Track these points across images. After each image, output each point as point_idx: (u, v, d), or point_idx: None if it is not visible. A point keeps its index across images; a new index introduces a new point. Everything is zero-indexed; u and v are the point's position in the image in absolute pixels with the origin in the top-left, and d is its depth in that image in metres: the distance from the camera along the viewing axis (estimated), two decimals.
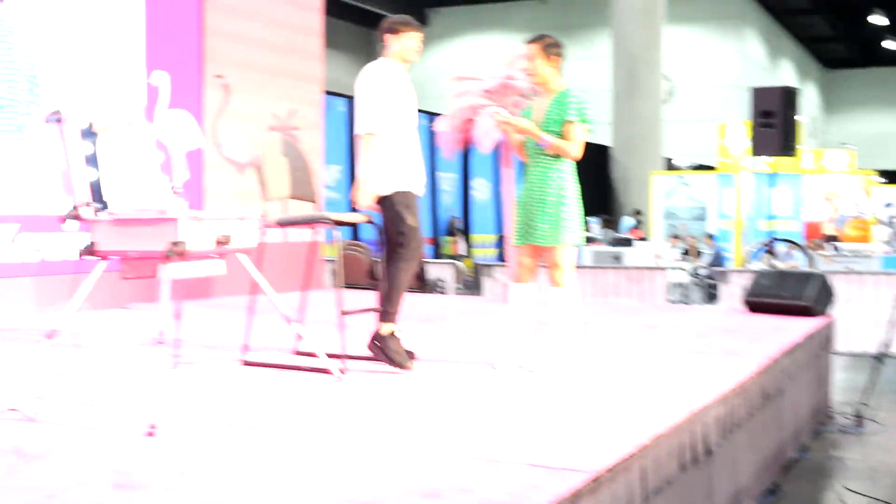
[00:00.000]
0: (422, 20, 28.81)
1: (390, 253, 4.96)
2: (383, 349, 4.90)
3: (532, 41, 5.06)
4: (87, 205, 4.09)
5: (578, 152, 4.93)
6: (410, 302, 5.53)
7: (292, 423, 3.74)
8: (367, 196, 4.91)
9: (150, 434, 3.50)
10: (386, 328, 4.93)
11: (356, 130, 4.96)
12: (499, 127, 5.07)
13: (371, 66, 5.06)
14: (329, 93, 15.49)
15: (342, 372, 4.75)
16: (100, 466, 3.10)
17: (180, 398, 4.20)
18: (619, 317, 7.80)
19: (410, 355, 5.01)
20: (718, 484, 4.46)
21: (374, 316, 4.98)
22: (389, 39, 5.07)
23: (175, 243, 3.92)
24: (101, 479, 2.96)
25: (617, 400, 4.26)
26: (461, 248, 17.96)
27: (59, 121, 4.12)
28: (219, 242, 4.17)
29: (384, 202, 4.98)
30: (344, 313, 4.92)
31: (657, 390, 4.49)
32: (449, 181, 18.93)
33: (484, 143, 8.47)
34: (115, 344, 5.77)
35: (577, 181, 5.05)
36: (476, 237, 19.56)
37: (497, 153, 8.98)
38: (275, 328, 5.28)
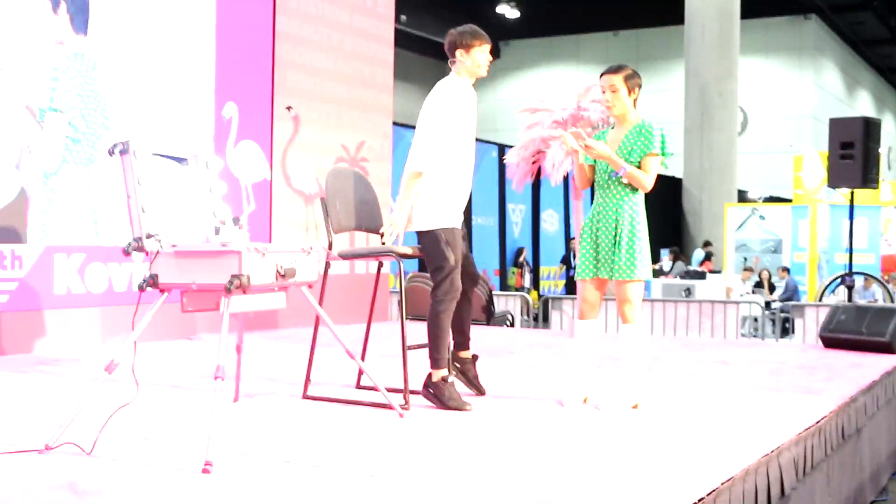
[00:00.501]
0: (494, 53, 28.91)
1: (432, 294, 4.86)
2: (437, 395, 4.81)
3: (613, 71, 4.88)
4: (149, 236, 4.07)
5: (651, 185, 4.80)
6: (477, 334, 5.44)
7: (350, 461, 3.66)
8: (395, 230, 4.84)
9: (206, 471, 3.44)
10: (437, 374, 4.84)
11: (409, 164, 4.86)
12: (575, 149, 4.81)
13: (442, 87, 4.90)
14: (399, 124, 15.56)
15: (404, 408, 4.67)
16: None
17: (239, 433, 4.15)
18: (690, 352, 7.61)
19: (480, 391, 4.93)
20: None
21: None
22: (460, 55, 4.92)
23: (236, 276, 3.87)
24: None
25: (687, 440, 4.10)
26: (527, 280, 17.80)
27: (123, 152, 4.11)
28: (280, 275, 4.11)
29: (426, 237, 4.87)
30: (407, 348, 4.84)
31: (729, 430, 4.33)
32: (518, 212, 18.83)
33: (554, 175, 8.36)
34: (174, 377, 5.75)
35: (646, 214, 4.94)
36: (545, 269, 19.40)
37: (567, 185, 8.87)
38: (337, 362, 5.23)
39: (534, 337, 8.76)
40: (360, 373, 5.40)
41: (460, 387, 4.99)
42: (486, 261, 17.46)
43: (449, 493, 3.21)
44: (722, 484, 3.46)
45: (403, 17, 23.27)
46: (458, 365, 5.04)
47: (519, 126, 8.77)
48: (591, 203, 4.97)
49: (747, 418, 4.64)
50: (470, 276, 5.00)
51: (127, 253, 4.09)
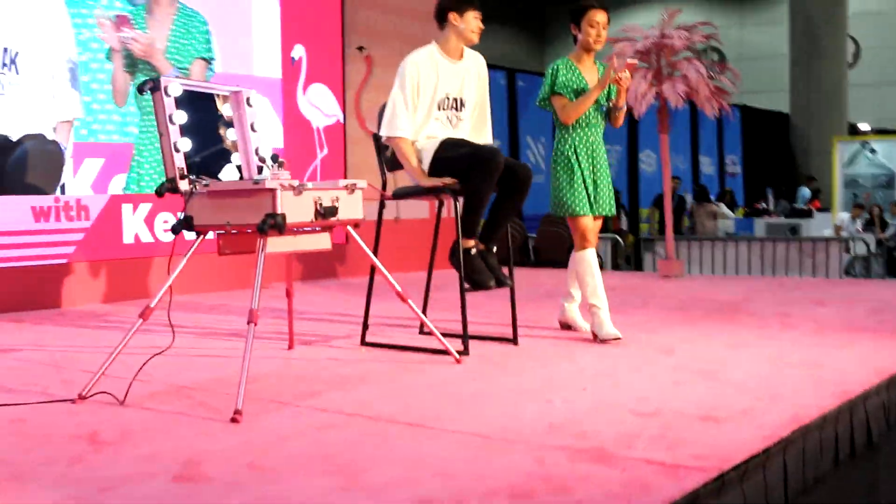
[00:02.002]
0: None
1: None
2: (463, 264, 4.55)
3: (606, 9, 4.97)
4: (183, 177, 3.88)
5: None
6: (556, 278, 5.22)
7: (391, 409, 3.43)
8: (428, 180, 4.66)
9: (236, 420, 3.25)
10: (465, 243, 4.60)
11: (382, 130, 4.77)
12: (626, 72, 4.86)
13: (409, 58, 4.76)
14: (494, 67, 15.19)
15: (462, 354, 4.42)
16: (171, 456, 2.85)
17: (285, 380, 3.97)
18: (784, 291, 7.18)
19: (500, 280, 4.68)
20: (884, 482, 3.92)
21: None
22: (454, 18, 4.75)
23: (270, 215, 3.66)
24: (166, 470, 2.72)
25: (758, 385, 3.76)
26: (623, 222, 17.29)
27: (154, 89, 3.91)
28: (320, 214, 3.88)
29: (438, 165, 4.66)
30: (465, 290, 4.58)
31: (808, 373, 3.97)
32: (614, 153, 18.28)
33: (637, 107, 7.97)
34: (225, 324, 5.60)
35: None
36: (643, 211, 18.85)
37: (651, 120, 8.46)
38: (403, 307, 4.99)
39: (619, 279, 8.41)
40: (419, 318, 5.18)
41: None
42: None
43: (486, 444, 2.96)
44: (793, 433, 3.12)
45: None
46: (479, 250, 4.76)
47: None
48: (570, 138, 4.99)
49: (832, 359, 4.27)
50: (518, 177, 4.68)
51: (160, 195, 3.91)
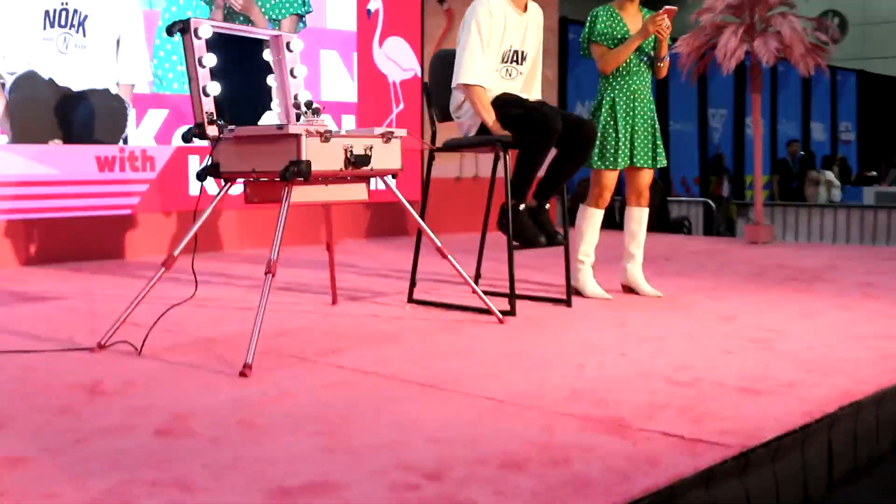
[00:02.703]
0: None
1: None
2: (512, 220, 4.34)
3: None
4: (212, 122, 3.73)
5: None
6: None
7: (410, 369, 3.25)
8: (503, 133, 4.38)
9: (245, 374, 3.11)
10: (515, 203, 4.39)
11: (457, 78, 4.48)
12: (664, 19, 4.68)
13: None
14: (573, 21, 14.78)
15: (506, 314, 4.21)
16: (163, 409, 2.72)
17: (318, 336, 3.82)
18: (876, 261, 6.74)
19: (551, 235, 4.48)
20: None
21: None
22: None
23: (295, 162, 3.49)
24: (152, 423, 2.58)
25: (814, 356, 3.46)
26: (725, 189, 16.70)
27: (184, 31, 3.77)
28: (350, 163, 3.70)
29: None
30: (513, 248, 4.35)
31: (875, 346, 3.65)
32: (719, 117, 17.69)
33: (726, 64, 7.57)
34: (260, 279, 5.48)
35: None
36: (749, 178, 18.21)
37: (744, 76, 8.03)
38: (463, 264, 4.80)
39: (703, 244, 8.06)
40: (478, 276, 5.00)
41: None
42: (685, 168, 16.52)
43: (497, 408, 2.76)
44: (841, 409, 2.83)
45: None
46: (531, 207, 4.53)
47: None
48: (609, 87, 4.83)
49: None
50: (581, 134, 4.42)
51: (186, 141, 3.78)
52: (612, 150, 4.74)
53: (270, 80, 4.20)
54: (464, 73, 4.41)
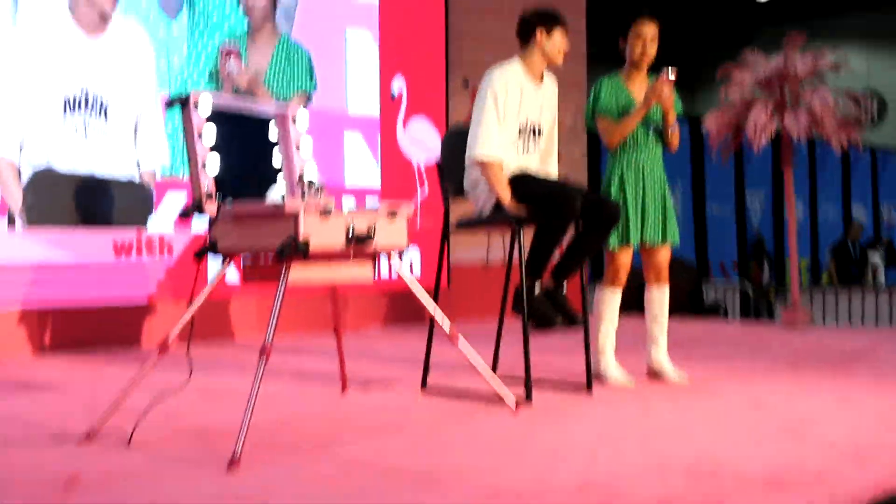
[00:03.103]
0: (746, 40, 27.15)
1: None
2: (527, 300, 4.13)
3: (654, 20, 4.54)
4: (210, 197, 3.59)
5: None
6: (673, 326, 4.77)
7: (408, 461, 3.03)
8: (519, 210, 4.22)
9: (233, 467, 2.91)
10: (530, 283, 4.20)
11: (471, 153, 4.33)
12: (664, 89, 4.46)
13: (494, 72, 4.38)
14: None
15: (524, 402, 3.99)
16: None
17: (315, 425, 3.62)
18: None
19: (571, 316, 4.25)
20: None
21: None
22: (541, 34, 4.35)
23: (291, 239, 3.32)
24: None
25: (848, 445, 3.20)
26: (766, 274, 16.36)
27: (183, 104, 3.65)
28: (351, 240, 3.53)
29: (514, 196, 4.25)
30: (529, 331, 4.14)
31: None
32: (758, 199, 17.44)
33: (757, 140, 7.39)
34: (283, 365, 5.29)
35: None
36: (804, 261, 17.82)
37: (776, 152, 7.83)
38: (483, 348, 4.59)
39: (737, 329, 7.78)
40: (495, 361, 4.78)
41: None
42: (723, 252, 16.24)
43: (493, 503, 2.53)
44: (874, 501, 2.58)
45: (644, 8, 22.13)
46: (547, 288, 4.32)
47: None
48: (616, 162, 4.60)
49: None
50: (604, 214, 4.23)
51: (185, 216, 3.63)
52: (623, 227, 4.50)
53: (276, 155, 4.07)
54: (479, 147, 4.25)
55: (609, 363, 4.59)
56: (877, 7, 26.62)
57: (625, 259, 4.57)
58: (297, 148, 4.04)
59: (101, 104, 6.15)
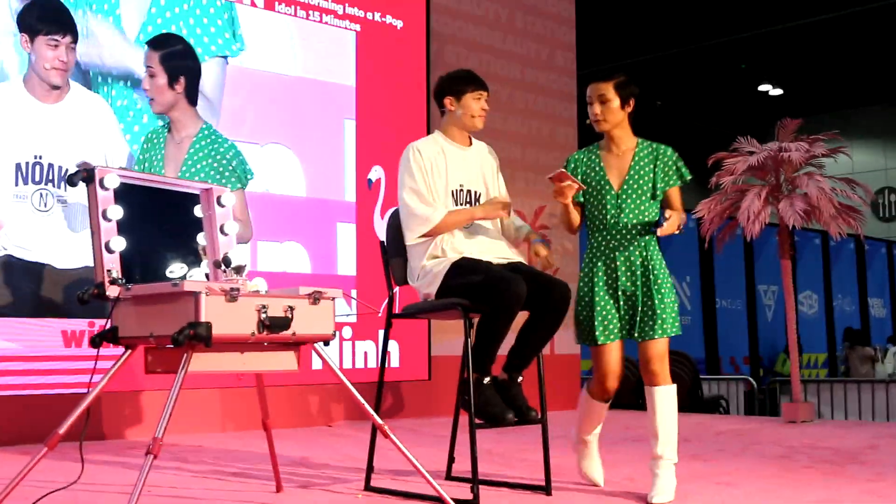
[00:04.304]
0: (760, 135, 26.98)
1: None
2: (474, 394, 3.77)
3: (603, 79, 3.98)
4: (112, 281, 3.28)
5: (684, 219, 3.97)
6: (622, 421, 4.37)
7: None
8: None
9: None
10: (477, 376, 3.84)
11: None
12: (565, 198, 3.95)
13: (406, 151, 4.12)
14: None
15: (467, 503, 3.60)
16: None
17: None
18: None
19: (522, 414, 3.87)
20: None
21: None
22: (449, 103, 4.14)
23: (191, 324, 3.00)
24: None
25: None
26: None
27: (87, 181, 3.37)
28: (265, 326, 3.20)
29: (446, 295, 3.91)
30: (476, 427, 3.76)
31: None
32: (771, 294, 17.02)
33: (749, 227, 7.06)
34: (215, 464, 4.91)
35: None
36: (806, 356, 17.34)
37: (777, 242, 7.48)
38: (438, 446, 4.21)
39: (736, 424, 7.34)
40: (451, 461, 4.38)
41: None
42: (734, 348, 15.78)
43: None
44: None
45: (659, 103, 22.05)
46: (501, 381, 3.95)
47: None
48: (588, 247, 4.05)
49: None
50: (553, 297, 3.88)
51: (82, 302, 3.31)
52: (588, 324, 3.95)
53: (201, 237, 3.78)
54: (416, 224, 3.96)
55: (583, 457, 4.17)
56: (893, 103, 26.50)
57: (605, 360, 3.95)
58: (222, 229, 3.75)
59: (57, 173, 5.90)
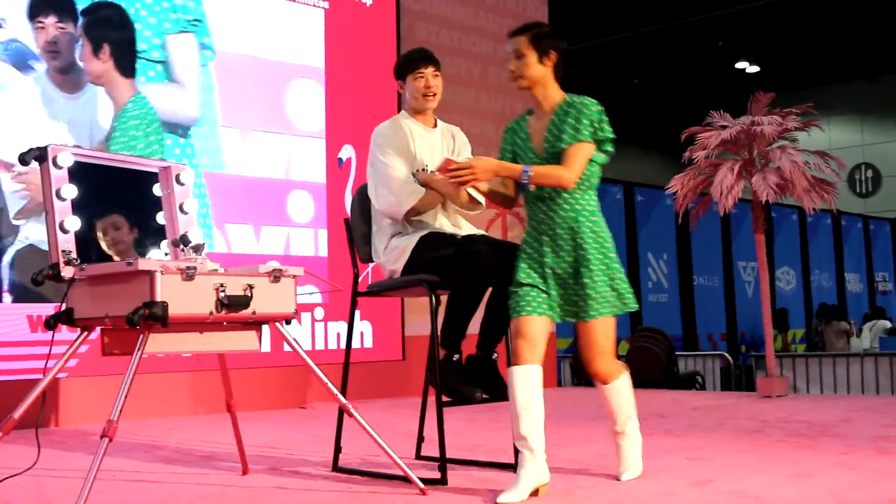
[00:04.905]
0: (737, 111, 26.97)
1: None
2: (440, 372, 3.73)
3: (519, 31, 3.67)
4: (68, 262, 3.20)
5: (572, 178, 3.48)
6: (646, 398, 4.29)
7: None
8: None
9: None
10: (447, 352, 3.79)
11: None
12: (452, 189, 3.71)
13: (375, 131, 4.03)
14: (636, 184, 14.47)
15: (435, 482, 3.55)
16: None
17: None
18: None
19: (492, 391, 3.78)
20: None
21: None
22: (399, 87, 4.05)
23: (146, 304, 2.93)
24: None
25: None
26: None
27: (40, 159, 3.29)
28: (224, 304, 3.13)
29: (413, 271, 3.82)
30: (444, 405, 3.72)
31: None
32: (750, 270, 17.02)
33: (722, 202, 7.02)
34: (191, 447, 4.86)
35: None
36: (791, 332, 17.35)
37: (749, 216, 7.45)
38: (406, 427, 4.16)
39: (710, 399, 7.32)
40: (420, 440, 4.34)
41: None
42: (711, 325, 15.80)
43: None
44: None
45: (636, 81, 22.01)
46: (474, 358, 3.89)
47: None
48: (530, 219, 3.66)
49: None
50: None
51: (37, 284, 3.24)
52: (516, 297, 3.54)
53: (160, 216, 3.71)
54: (394, 199, 3.83)
55: (521, 471, 3.43)
56: (870, 79, 26.51)
57: (526, 326, 3.47)
58: (181, 208, 3.67)
59: None
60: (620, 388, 3.64)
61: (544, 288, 3.51)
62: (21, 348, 5.73)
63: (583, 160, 3.51)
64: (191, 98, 6.56)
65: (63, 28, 5.99)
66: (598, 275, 3.48)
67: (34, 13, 5.90)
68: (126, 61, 6.33)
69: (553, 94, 3.63)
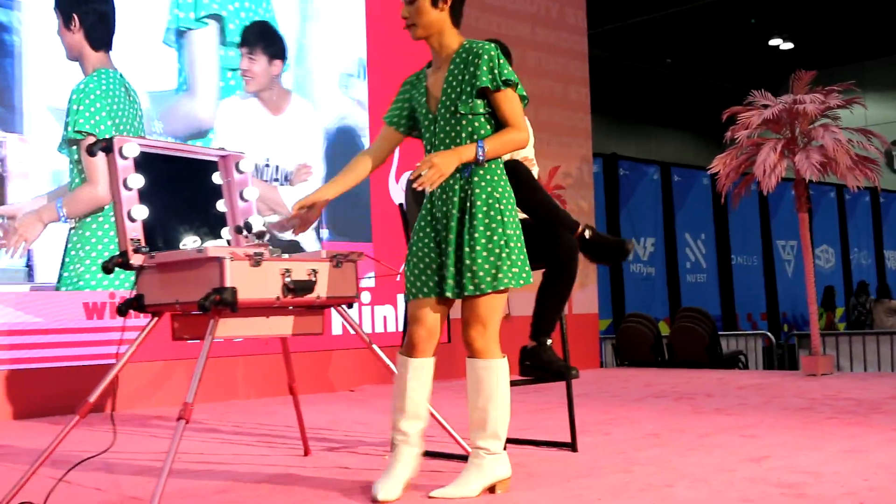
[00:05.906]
0: (773, 89, 26.78)
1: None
2: (535, 364, 3.73)
3: None
4: (137, 250, 3.29)
5: (525, 135, 3.11)
6: (689, 377, 4.34)
7: None
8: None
9: None
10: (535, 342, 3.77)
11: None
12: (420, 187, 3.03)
13: None
14: (672, 164, 14.44)
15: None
16: None
17: (252, 493, 3.27)
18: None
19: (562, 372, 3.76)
20: None
21: None
22: None
23: (216, 290, 3.01)
24: None
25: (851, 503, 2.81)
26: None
27: (107, 150, 3.37)
28: (290, 290, 3.21)
29: None
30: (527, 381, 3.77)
31: None
32: (790, 249, 16.92)
33: (766, 182, 7.03)
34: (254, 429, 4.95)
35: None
36: (838, 311, 17.25)
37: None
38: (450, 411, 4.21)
39: (756, 378, 7.35)
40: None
41: None
42: (751, 304, 15.76)
43: None
44: None
45: (669, 60, 21.87)
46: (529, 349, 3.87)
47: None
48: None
49: None
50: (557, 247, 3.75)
51: (107, 271, 3.32)
52: (410, 275, 3.17)
53: (221, 204, 3.78)
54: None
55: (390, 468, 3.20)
56: None
57: (420, 313, 3.11)
58: (242, 195, 3.75)
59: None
60: (498, 370, 3.12)
61: (436, 262, 3.12)
62: (78, 335, 5.84)
63: (519, 110, 3.12)
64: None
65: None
66: (480, 244, 3.02)
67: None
68: (100, 36, 6.16)
69: (450, 41, 3.17)
